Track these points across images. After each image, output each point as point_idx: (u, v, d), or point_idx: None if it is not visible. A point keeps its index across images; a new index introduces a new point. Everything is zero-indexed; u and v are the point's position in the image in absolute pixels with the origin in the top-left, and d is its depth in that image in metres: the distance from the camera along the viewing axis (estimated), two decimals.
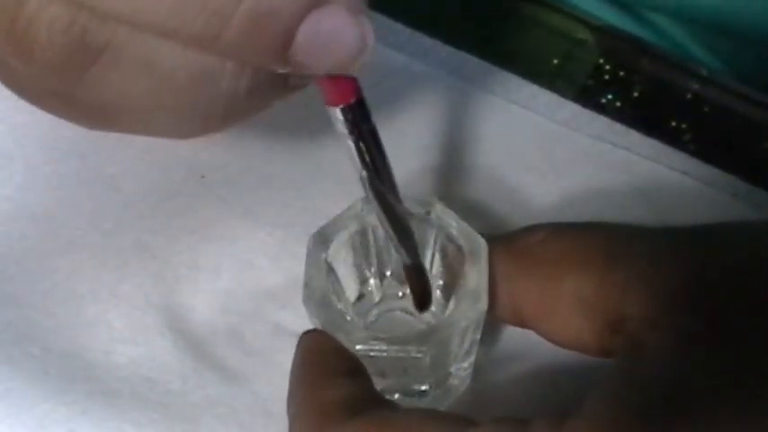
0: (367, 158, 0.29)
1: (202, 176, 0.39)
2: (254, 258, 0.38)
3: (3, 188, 0.39)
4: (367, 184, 0.30)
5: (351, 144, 0.29)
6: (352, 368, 0.30)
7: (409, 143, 0.40)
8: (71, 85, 0.27)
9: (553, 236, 0.32)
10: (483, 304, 0.31)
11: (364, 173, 0.30)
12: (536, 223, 0.33)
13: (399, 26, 0.43)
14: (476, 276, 0.31)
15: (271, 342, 0.36)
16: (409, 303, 0.36)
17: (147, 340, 0.36)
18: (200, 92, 0.27)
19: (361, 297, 0.36)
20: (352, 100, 0.28)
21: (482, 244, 0.32)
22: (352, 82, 0.28)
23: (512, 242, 0.33)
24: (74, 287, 0.37)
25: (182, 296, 0.37)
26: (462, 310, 0.31)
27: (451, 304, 0.33)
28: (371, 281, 0.35)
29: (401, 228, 0.31)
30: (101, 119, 0.29)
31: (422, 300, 0.33)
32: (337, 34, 0.25)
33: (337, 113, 0.29)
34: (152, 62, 0.26)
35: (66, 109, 0.29)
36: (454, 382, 0.34)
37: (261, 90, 0.28)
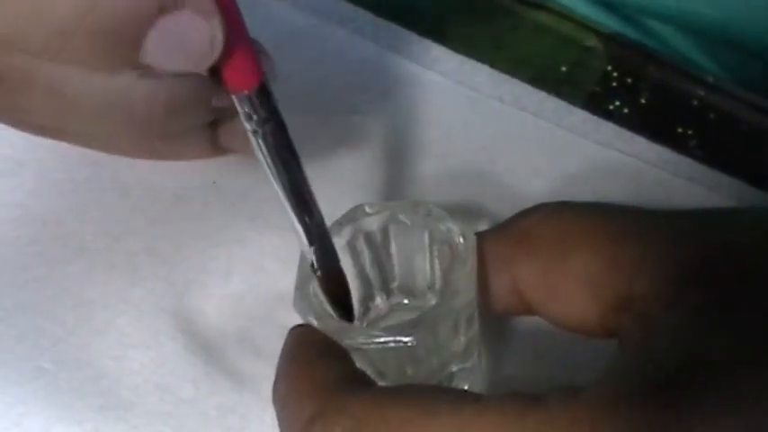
0: (275, 153, 0.29)
1: (214, 182, 0.39)
2: (264, 262, 0.38)
3: (14, 194, 0.39)
4: (276, 181, 0.30)
5: (257, 137, 0.29)
6: (347, 356, 0.30)
7: (417, 149, 0.40)
8: None
9: (554, 215, 0.31)
10: (469, 292, 0.30)
11: (271, 169, 0.30)
12: (531, 206, 0.32)
13: (408, 34, 0.43)
14: (462, 264, 0.31)
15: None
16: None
17: (159, 344, 0.36)
18: (114, 113, 0.29)
19: (367, 311, 0.35)
20: (255, 86, 0.28)
21: (470, 234, 0.31)
22: (255, 66, 0.28)
23: (509, 226, 0.32)
24: (84, 293, 0.37)
25: (192, 300, 0.37)
26: (448, 298, 0.30)
27: None
28: (376, 296, 0.35)
29: (311, 226, 0.31)
30: (40, 133, 0.31)
31: (344, 305, 0.32)
32: (185, 36, 0.27)
33: (241, 102, 0.28)
34: (56, 87, 0.28)
35: (5, 121, 0.30)
36: (462, 385, 0.34)
37: (182, 115, 0.30)
